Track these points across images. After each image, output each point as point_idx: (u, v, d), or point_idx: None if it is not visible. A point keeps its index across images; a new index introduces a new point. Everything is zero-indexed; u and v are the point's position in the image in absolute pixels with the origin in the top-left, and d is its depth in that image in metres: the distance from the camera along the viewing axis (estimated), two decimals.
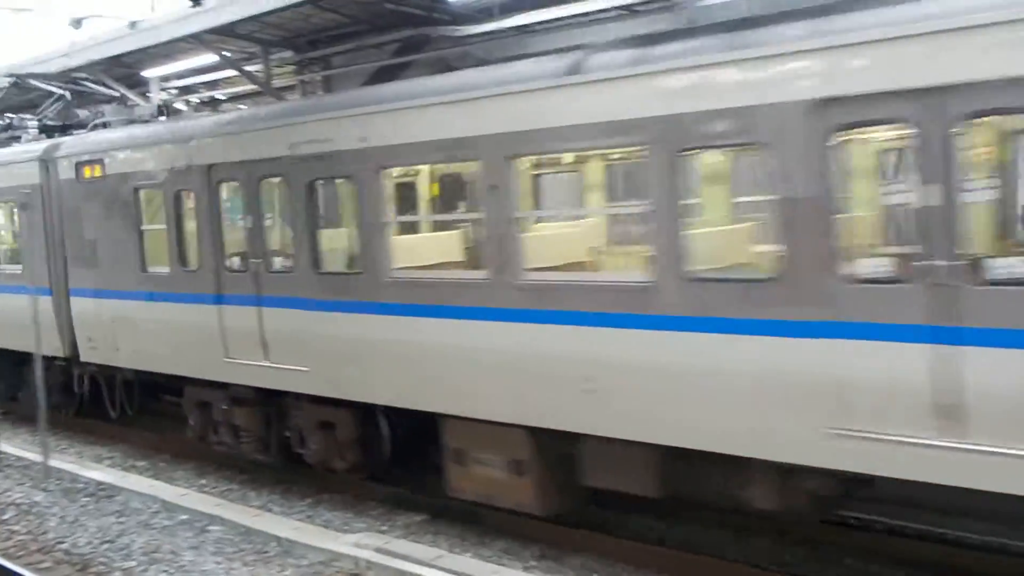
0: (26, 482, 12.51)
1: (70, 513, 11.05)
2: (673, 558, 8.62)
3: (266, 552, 9.50)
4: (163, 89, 15.79)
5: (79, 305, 13.85)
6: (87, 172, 13.36)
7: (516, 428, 8.70)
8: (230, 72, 15.40)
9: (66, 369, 14.78)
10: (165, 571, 9.09)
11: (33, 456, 13.29)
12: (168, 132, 12.47)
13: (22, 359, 14.65)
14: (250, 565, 9.18)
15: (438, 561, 8.65)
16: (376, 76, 12.72)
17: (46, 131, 16.12)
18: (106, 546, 9.87)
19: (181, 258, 11.96)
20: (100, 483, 12.05)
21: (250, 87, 15.57)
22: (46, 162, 14.27)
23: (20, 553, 9.86)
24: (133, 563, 9.36)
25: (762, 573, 8.17)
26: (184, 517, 10.66)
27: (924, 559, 8.27)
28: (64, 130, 15.99)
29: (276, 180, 10.84)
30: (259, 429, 11.69)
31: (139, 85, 15.89)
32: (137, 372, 13.54)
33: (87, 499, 11.61)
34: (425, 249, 11.00)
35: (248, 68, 14.32)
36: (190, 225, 11.89)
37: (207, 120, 12.45)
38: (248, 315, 11.02)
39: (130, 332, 12.91)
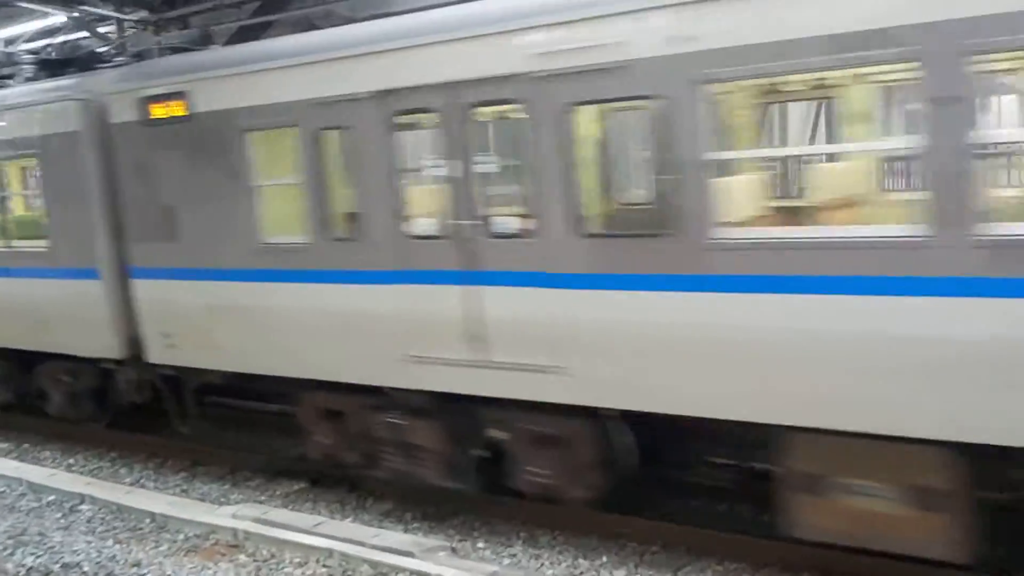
0: None
1: None
2: (555, 513, 8.72)
3: (140, 528, 9.28)
4: (10, 52, 15.05)
5: (148, 290, 10.39)
6: (159, 111, 9.93)
7: (930, 446, 6.34)
8: (84, 33, 14.77)
9: (104, 373, 11.65)
10: (33, 553, 8.78)
11: None
12: (305, 49, 8.98)
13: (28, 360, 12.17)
14: (123, 543, 8.97)
15: (319, 528, 8.61)
16: (236, 37, 12.39)
17: (49, 68, 12.28)
18: None
19: (327, 223, 8.87)
20: None
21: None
22: (86, 101, 10.71)
23: None
24: None
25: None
26: (52, 498, 10.31)
27: None
28: (70, 66, 12.11)
29: (504, 108, 8.25)
30: (447, 447, 8.78)
31: None
32: (239, 376, 10.21)
33: None
34: (788, 197, 7.74)
35: (102, 30, 13.75)
36: (343, 177, 8.92)
37: (372, 28, 8.81)
38: (448, 297, 8.10)
39: (238, 324, 9.67)
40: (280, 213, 9.27)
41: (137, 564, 8.42)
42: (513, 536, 8.67)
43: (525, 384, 7.82)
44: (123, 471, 11.45)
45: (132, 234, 10.43)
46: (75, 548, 8.83)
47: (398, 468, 9.06)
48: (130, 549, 8.79)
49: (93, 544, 8.93)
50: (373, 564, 7.84)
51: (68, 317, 11.17)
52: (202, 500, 10.03)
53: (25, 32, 14.85)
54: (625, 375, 7.33)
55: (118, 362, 11.15)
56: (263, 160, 9.24)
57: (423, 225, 8.41)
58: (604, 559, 8.07)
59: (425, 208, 8.56)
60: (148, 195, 10.15)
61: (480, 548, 8.52)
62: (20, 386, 12.78)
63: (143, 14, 13.54)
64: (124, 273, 10.63)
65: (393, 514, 9.38)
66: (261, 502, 9.82)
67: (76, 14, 13.13)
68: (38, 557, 8.70)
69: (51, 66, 12.23)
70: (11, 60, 13.03)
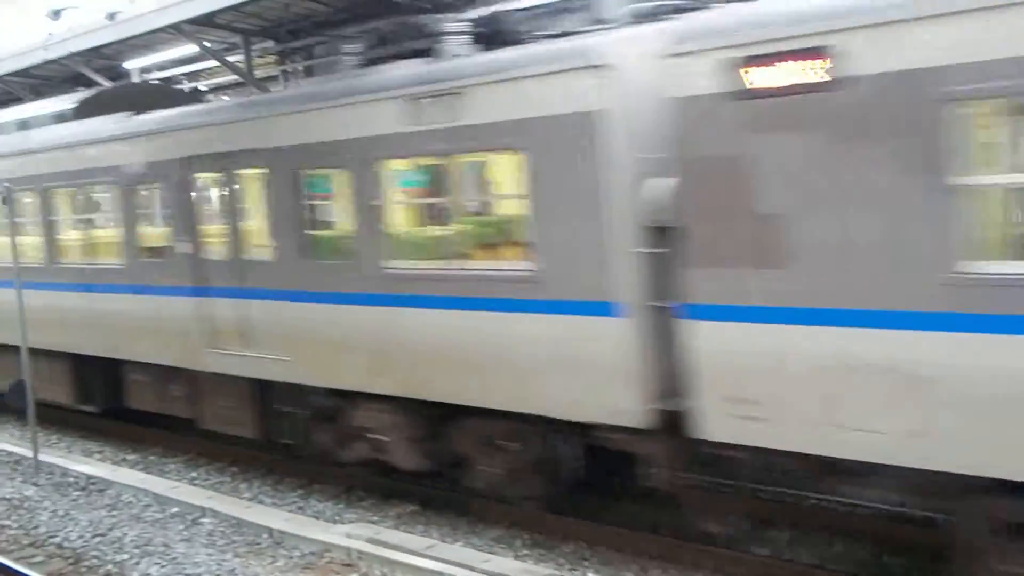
0: (16, 477, 12.50)
1: (61, 507, 11.05)
2: (666, 545, 8.69)
3: (258, 544, 9.54)
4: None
5: (717, 337, 7.22)
6: (770, 77, 6.79)
7: None
8: (212, 63, 15.35)
9: (566, 442, 8.93)
10: (157, 564, 9.11)
11: (23, 451, 13.26)
12: None
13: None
14: (242, 557, 9.22)
15: (430, 551, 8.70)
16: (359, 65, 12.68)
17: (481, 43, 9.62)
18: (98, 539, 9.90)
19: None
20: (91, 477, 12.05)
21: (232, 78, 15.57)
22: (609, 69, 7.80)
23: (12, 548, 9.89)
24: (125, 556, 9.39)
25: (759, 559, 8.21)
26: (175, 510, 10.69)
27: None
28: (494, 43, 9.38)
29: None
30: None
31: (120, 77, 15.91)
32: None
33: (78, 493, 11.62)
34: None
35: (229, 59, 14.25)
36: None
37: None
38: None
39: (886, 390, 6.44)
40: (1003, 225, 6.40)
41: None
42: (623, 567, 8.59)
43: None
44: (242, 486, 11.79)
45: (691, 257, 7.37)
46: (196, 560, 9.12)
47: None
48: (248, 563, 9.03)
49: (213, 556, 9.21)
50: None
51: (555, 366, 8.33)
52: (317, 518, 10.24)
53: (160, 61, 15.59)
54: None
55: (636, 432, 8.10)
56: (985, 145, 6.26)
57: None
58: None
59: None
60: (733, 200, 7.12)
61: None
62: (437, 449, 9.87)
63: (269, 44, 14.01)
64: (661, 310, 7.79)
65: (503, 539, 9.41)
66: (374, 522, 9.99)
67: (208, 44, 13.64)
68: (162, 568, 9.02)
69: (480, 41, 9.61)
70: (421, 32, 10.38)
